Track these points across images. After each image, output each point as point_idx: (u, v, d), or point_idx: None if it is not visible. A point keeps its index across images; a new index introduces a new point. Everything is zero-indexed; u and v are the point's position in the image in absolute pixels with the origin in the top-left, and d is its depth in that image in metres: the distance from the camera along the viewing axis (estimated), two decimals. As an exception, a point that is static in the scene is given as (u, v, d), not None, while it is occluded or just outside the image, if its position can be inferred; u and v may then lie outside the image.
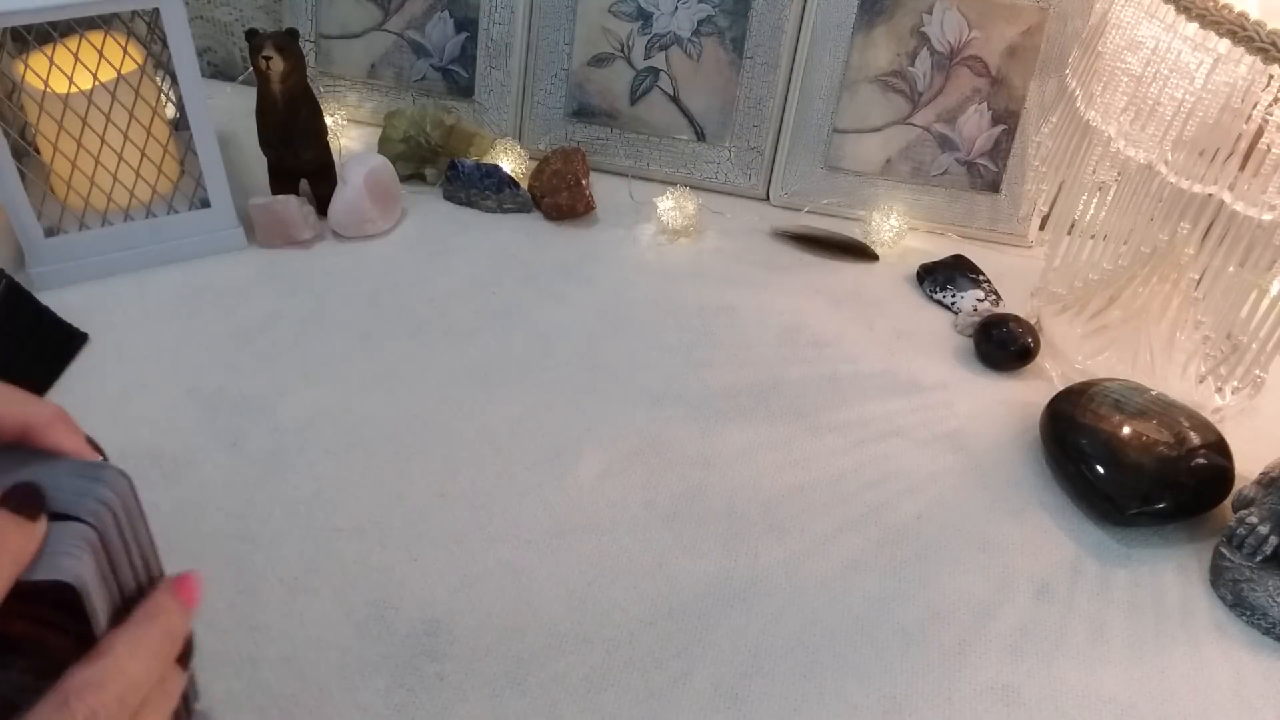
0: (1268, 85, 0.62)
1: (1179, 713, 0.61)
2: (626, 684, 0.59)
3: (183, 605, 0.33)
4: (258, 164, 0.91)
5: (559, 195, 0.96)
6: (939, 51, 0.96)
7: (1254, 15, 0.62)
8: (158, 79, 0.86)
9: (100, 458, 0.35)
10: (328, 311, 0.84)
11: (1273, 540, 0.66)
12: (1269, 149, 0.64)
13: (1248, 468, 0.73)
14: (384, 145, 0.99)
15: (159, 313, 0.82)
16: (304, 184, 0.92)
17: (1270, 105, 0.63)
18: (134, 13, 0.82)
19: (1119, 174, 0.76)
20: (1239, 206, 0.66)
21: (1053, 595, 0.67)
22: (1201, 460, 0.71)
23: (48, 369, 0.75)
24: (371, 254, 0.91)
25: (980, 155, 0.99)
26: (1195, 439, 0.72)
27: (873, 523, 0.71)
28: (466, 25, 1.02)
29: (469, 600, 0.62)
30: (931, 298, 0.93)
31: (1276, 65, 0.62)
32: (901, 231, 0.98)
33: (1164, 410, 0.74)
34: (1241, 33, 0.62)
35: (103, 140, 0.81)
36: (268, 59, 0.83)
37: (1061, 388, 0.78)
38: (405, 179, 0.99)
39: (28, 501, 0.30)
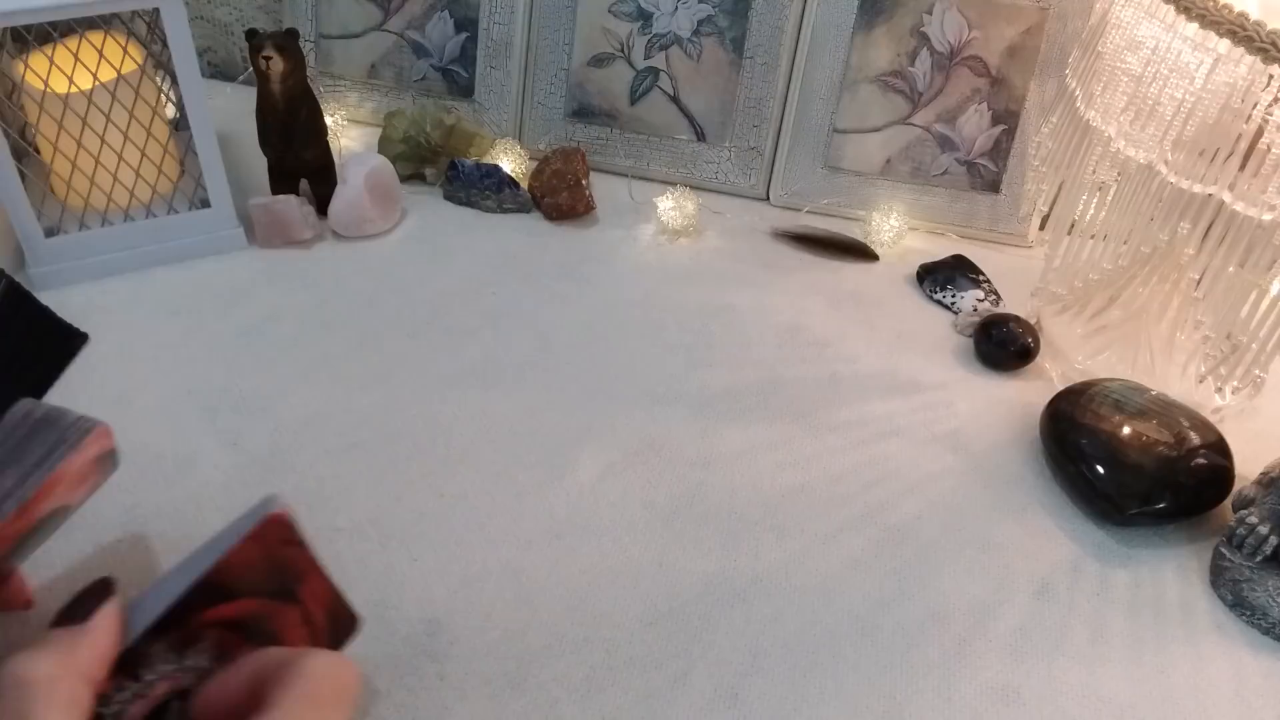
0: (1268, 85, 0.62)
1: (1179, 713, 0.61)
2: (626, 684, 0.59)
3: None
4: (258, 164, 0.91)
5: (559, 195, 0.96)
6: (939, 51, 0.96)
7: (1254, 15, 0.62)
8: (158, 79, 0.85)
9: None
10: (328, 311, 0.84)
11: (1273, 540, 0.66)
12: (1269, 149, 0.64)
13: (1248, 468, 0.73)
14: (384, 145, 0.99)
15: (159, 313, 0.82)
16: (304, 184, 0.92)
17: (1270, 105, 0.63)
18: (134, 13, 0.82)
19: (1119, 174, 0.76)
20: (1239, 206, 0.66)
21: (1053, 595, 0.67)
22: (1201, 460, 0.71)
23: (48, 369, 0.75)
24: (371, 254, 0.91)
25: (980, 155, 0.99)
26: (1195, 439, 0.72)
27: (873, 523, 0.71)
28: (466, 25, 1.02)
29: (469, 600, 0.62)
30: (931, 298, 0.93)
31: (1276, 65, 0.62)
32: (901, 231, 0.98)
33: (1164, 410, 0.73)
34: (1241, 33, 0.62)
35: (103, 140, 0.81)
36: (268, 59, 0.83)
37: (1061, 388, 0.78)
38: (405, 179, 0.99)
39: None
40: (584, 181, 0.96)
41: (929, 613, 0.65)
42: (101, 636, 0.32)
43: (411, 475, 0.70)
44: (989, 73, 0.96)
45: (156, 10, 0.77)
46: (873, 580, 0.67)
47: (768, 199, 1.03)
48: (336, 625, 0.40)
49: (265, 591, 0.36)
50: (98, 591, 0.34)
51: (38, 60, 0.78)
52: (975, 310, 0.90)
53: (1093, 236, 0.80)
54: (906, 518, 0.71)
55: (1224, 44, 0.64)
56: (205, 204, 0.86)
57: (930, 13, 0.94)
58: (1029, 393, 0.83)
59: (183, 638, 0.34)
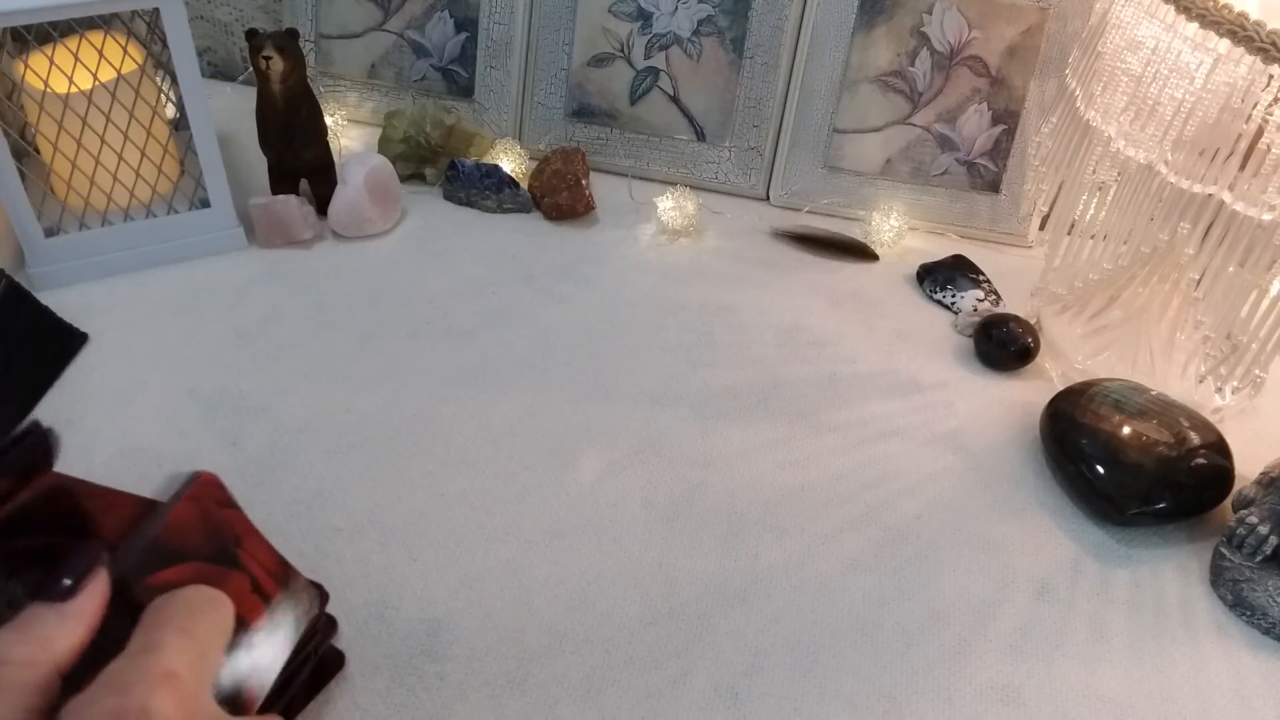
0: (1268, 85, 0.62)
1: (1179, 713, 0.61)
2: (626, 684, 0.59)
3: None
4: (258, 164, 0.91)
5: (559, 195, 0.96)
6: (939, 51, 0.96)
7: (1254, 15, 0.62)
8: (158, 79, 0.86)
9: None
10: (328, 311, 0.84)
11: (1273, 540, 0.66)
12: (1269, 149, 0.64)
13: (1248, 468, 0.73)
14: (384, 145, 0.99)
15: (159, 313, 0.82)
16: (304, 184, 0.92)
17: (1270, 105, 0.63)
18: (134, 13, 0.82)
19: (1119, 174, 0.76)
20: (1239, 206, 0.66)
21: (1053, 595, 0.67)
22: (1201, 460, 0.71)
23: (48, 369, 0.75)
24: (371, 254, 0.91)
25: (980, 155, 0.99)
26: (1195, 439, 0.72)
27: (873, 523, 0.71)
28: (466, 25, 1.02)
29: (469, 600, 0.62)
30: (931, 298, 0.93)
31: (1276, 65, 0.62)
32: (901, 231, 0.98)
33: (1164, 410, 0.73)
34: (1241, 33, 0.62)
35: (103, 140, 0.81)
36: (268, 59, 0.83)
37: (1061, 388, 0.78)
38: (405, 179, 0.99)
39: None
40: (584, 181, 0.96)
41: (929, 613, 0.65)
42: (83, 624, 0.31)
43: (411, 475, 0.70)
44: (989, 73, 0.96)
45: (156, 10, 0.77)
46: (873, 580, 0.67)
47: (768, 199, 1.03)
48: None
49: (205, 555, 0.35)
50: (88, 555, 0.32)
51: (38, 60, 0.78)
52: (975, 310, 0.90)
53: (1093, 236, 0.80)
54: (906, 518, 0.71)
55: (1224, 44, 0.64)
56: (205, 204, 0.86)
57: (930, 13, 0.94)
58: (1029, 393, 0.83)
59: (133, 601, 0.34)
